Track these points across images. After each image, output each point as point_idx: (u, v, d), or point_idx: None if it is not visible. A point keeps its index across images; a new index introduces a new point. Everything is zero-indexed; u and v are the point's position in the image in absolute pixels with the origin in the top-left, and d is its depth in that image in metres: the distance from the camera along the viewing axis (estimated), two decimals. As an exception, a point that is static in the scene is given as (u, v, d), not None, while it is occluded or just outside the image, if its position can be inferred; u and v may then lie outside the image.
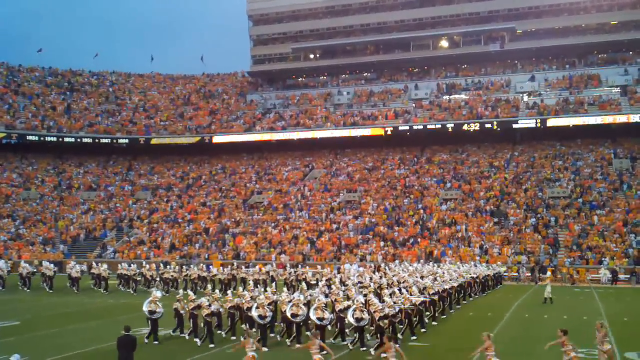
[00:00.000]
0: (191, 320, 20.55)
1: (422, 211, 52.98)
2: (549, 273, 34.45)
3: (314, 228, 53.46)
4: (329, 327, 20.30)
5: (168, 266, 40.35)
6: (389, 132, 61.98)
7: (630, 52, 63.96)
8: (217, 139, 67.63)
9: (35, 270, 39.78)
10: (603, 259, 42.48)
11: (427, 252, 46.91)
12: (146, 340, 19.82)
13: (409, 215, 52.78)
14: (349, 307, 19.62)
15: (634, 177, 52.49)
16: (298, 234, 52.94)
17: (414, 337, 20.49)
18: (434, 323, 23.75)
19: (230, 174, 67.62)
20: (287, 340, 19.92)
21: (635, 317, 26.19)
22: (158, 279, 37.44)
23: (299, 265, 40.85)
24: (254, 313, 19.24)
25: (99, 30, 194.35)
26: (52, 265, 39.45)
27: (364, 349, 18.57)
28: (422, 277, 28.65)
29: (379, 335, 18.49)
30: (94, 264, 40.00)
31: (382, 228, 51.47)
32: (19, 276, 39.11)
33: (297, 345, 17.92)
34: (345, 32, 72.22)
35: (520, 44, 65.42)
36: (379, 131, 62.35)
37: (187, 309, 20.68)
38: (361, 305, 19.07)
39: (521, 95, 62.34)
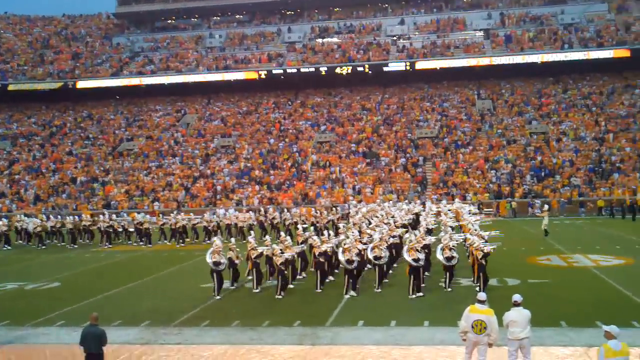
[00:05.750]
0: (254, 270, 18.91)
1: (297, 154, 53.25)
2: (546, 207, 35.39)
3: (188, 174, 52.42)
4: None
5: (32, 218, 38.04)
6: (262, 76, 61.11)
7: (494, -3, 66.59)
8: (82, 84, 63.82)
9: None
10: (467, 194, 44.83)
11: (303, 194, 47.43)
12: (218, 296, 18.15)
13: (284, 158, 52.90)
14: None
15: (494, 116, 55.34)
16: (172, 180, 51.72)
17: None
18: None
19: (97, 120, 64.47)
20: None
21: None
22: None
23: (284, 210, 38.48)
24: (341, 258, 18.06)
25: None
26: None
27: (450, 289, 17.88)
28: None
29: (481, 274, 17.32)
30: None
31: (257, 172, 51.34)
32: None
33: None
34: (216, -28, 69.86)
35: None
36: (252, 75, 61.36)
37: (252, 258, 18.96)
38: (450, 244, 18.23)
39: (391, 38, 63.43)
